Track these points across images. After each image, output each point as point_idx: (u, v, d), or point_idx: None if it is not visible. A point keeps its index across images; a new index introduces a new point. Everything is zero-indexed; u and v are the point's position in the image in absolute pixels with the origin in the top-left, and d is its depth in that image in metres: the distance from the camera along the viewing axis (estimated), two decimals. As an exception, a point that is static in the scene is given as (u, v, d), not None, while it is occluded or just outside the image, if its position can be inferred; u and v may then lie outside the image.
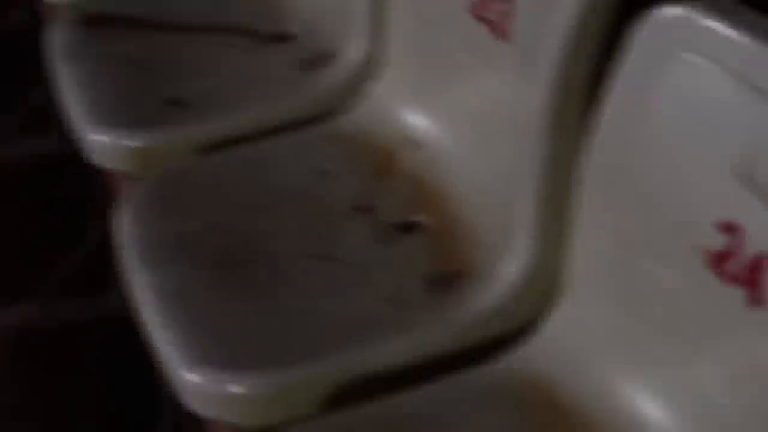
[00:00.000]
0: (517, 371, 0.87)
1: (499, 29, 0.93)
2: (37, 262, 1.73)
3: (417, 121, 1.14)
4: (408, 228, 1.06)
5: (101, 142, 1.16)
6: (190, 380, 0.87)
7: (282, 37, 1.32)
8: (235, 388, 0.86)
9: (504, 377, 0.87)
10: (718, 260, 0.71)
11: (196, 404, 0.89)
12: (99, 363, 1.55)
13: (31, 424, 1.48)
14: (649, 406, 0.81)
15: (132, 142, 1.16)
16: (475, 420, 0.84)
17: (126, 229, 1.06)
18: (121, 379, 1.49)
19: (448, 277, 0.98)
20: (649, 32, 0.78)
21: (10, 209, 1.85)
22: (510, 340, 0.90)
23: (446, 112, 1.11)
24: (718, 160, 0.71)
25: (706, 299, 0.73)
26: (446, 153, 1.11)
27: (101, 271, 1.38)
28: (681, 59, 0.75)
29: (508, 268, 0.92)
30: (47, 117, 1.40)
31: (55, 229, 1.79)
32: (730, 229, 0.70)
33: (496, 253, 0.95)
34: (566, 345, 0.88)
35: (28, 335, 1.61)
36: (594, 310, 0.87)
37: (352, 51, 1.20)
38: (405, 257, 1.02)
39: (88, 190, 1.63)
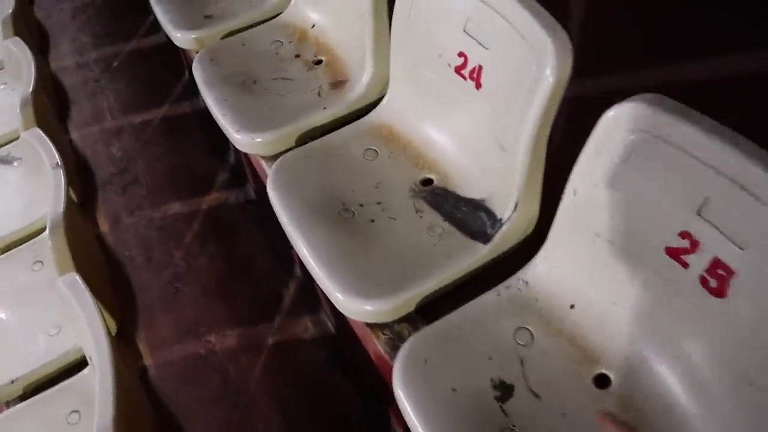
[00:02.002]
0: (377, 121, 1.25)
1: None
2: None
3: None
4: (318, 62, 1.43)
5: (177, 36, 1.53)
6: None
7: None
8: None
9: (373, 125, 1.25)
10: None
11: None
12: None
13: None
14: (428, 127, 1.18)
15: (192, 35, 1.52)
16: (360, 142, 1.23)
17: (198, 72, 1.42)
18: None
19: (340, 83, 1.37)
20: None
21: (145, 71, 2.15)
22: (370, 108, 1.28)
23: None
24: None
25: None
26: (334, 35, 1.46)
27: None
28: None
29: (365, 77, 1.30)
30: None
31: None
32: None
33: (357, 72, 1.32)
34: (396, 107, 1.24)
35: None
36: (405, 92, 1.22)
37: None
38: (318, 75, 1.40)
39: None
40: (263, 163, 1.35)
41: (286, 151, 1.31)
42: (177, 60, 1.94)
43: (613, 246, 0.86)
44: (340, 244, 1.07)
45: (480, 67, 0.99)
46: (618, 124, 0.78)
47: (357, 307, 1.00)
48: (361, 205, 1.15)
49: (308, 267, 1.07)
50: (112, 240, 1.70)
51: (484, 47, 0.98)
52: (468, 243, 1.07)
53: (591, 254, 0.90)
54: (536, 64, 0.86)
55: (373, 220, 1.12)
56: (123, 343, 1.43)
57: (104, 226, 1.74)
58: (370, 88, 1.32)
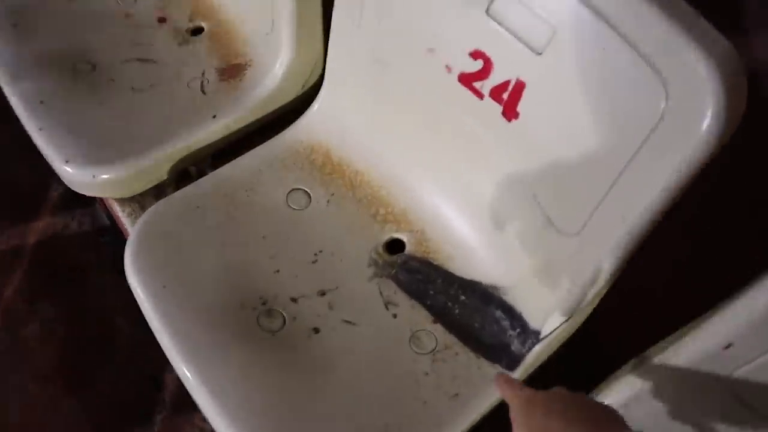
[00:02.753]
0: (303, 139, 0.79)
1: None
2: None
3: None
4: (196, 31, 0.92)
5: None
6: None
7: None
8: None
9: (293, 144, 0.79)
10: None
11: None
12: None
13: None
14: (393, 157, 0.74)
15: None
16: (280, 176, 0.76)
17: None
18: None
19: (235, 68, 0.86)
20: None
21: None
22: (291, 116, 0.81)
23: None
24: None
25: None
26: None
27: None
28: None
29: (279, 61, 0.81)
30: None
31: None
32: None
33: (265, 51, 0.83)
34: (336, 116, 0.78)
35: None
36: (351, 96, 0.76)
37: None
38: (199, 54, 0.89)
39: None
40: (117, 208, 0.84)
41: (153, 191, 0.81)
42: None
43: None
44: (270, 388, 0.62)
45: (519, 86, 0.54)
46: None
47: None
48: (294, 301, 0.68)
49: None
50: None
51: (531, 50, 0.52)
52: (482, 367, 0.65)
53: None
54: (671, 103, 0.43)
55: (317, 330, 0.67)
56: None
57: None
58: (288, 81, 0.83)
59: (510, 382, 0.49)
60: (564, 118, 0.52)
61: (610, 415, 0.42)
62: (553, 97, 0.53)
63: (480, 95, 0.58)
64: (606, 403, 0.59)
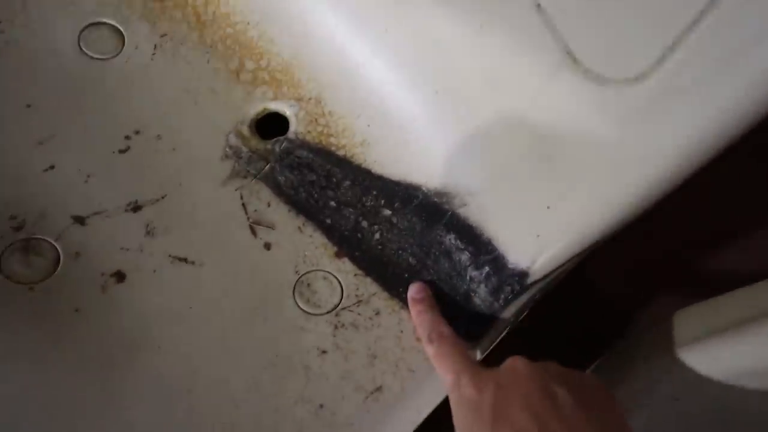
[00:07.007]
0: None
1: None
2: None
3: None
4: None
5: None
6: None
7: None
8: None
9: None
10: None
11: None
12: None
13: None
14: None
15: None
16: (65, 1, 0.42)
17: None
18: None
19: None
20: None
21: None
22: None
23: None
24: None
25: None
26: None
27: None
28: None
29: None
30: None
31: None
32: None
33: None
34: None
35: None
36: None
37: None
38: None
39: None
40: None
41: None
42: None
43: None
44: (31, 392, 0.31)
45: None
46: None
47: None
48: (80, 222, 0.37)
49: None
50: None
51: None
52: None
53: None
54: None
55: (121, 276, 0.36)
56: None
57: None
58: None
59: (437, 331, 0.31)
60: None
61: (604, 403, 0.27)
62: None
63: None
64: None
